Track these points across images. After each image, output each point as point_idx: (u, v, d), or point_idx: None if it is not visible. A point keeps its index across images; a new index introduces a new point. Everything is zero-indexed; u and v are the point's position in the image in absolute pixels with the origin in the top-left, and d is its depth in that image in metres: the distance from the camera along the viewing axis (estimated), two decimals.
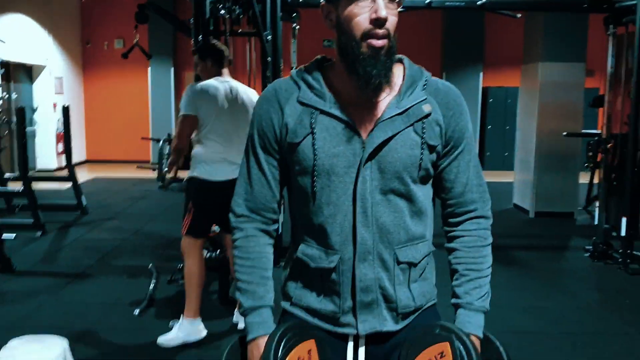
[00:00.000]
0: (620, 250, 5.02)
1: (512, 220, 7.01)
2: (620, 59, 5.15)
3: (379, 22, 1.26)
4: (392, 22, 1.28)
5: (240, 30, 4.73)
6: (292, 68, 5.18)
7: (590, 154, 5.61)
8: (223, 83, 3.38)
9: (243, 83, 3.57)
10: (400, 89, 1.36)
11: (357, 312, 1.38)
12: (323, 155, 1.32)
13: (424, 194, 1.40)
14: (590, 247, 5.32)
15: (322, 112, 1.34)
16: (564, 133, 6.40)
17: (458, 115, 1.39)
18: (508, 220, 6.98)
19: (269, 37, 4.56)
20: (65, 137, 6.78)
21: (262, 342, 1.35)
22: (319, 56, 1.44)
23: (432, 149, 1.36)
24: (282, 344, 1.27)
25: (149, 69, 11.46)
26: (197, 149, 3.39)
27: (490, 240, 1.46)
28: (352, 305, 1.38)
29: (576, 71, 6.91)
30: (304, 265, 1.41)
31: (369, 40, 1.27)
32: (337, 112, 1.33)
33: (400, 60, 1.41)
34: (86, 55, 12.01)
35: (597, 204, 5.48)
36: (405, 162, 1.33)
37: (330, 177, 1.33)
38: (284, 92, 1.38)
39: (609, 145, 5.18)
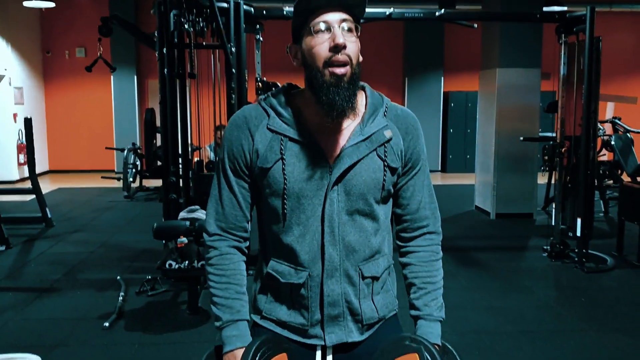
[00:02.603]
0: (576, 250, 5.23)
1: (473, 222, 7.20)
2: (572, 64, 5.36)
3: (337, 48, 1.34)
4: (352, 50, 1.37)
5: (204, 42, 4.77)
6: (256, 79, 5.24)
7: (546, 157, 5.82)
8: None
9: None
10: (363, 116, 1.45)
11: (324, 325, 1.47)
12: (293, 180, 1.40)
13: (385, 212, 1.50)
14: (548, 247, 5.53)
15: (291, 139, 1.42)
16: (521, 138, 6.62)
17: (416, 139, 1.50)
18: (469, 222, 7.17)
19: (233, 49, 4.61)
20: (28, 150, 6.69)
21: (239, 353, 1.41)
22: (285, 84, 1.52)
23: (393, 171, 1.46)
24: (258, 356, 1.34)
25: (112, 78, 11.35)
26: None
27: (441, 254, 1.57)
28: (320, 318, 1.46)
29: (532, 76, 7.16)
30: (274, 280, 1.48)
31: (331, 69, 1.35)
32: (305, 139, 1.41)
33: (363, 88, 1.50)
34: (47, 64, 11.83)
35: (554, 205, 5.69)
36: (369, 184, 1.43)
37: (299, 199, 1.42)
38: (254, 120, 1.45)
39: (563, 149, 5.39)
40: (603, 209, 7.49)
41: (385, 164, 1.44)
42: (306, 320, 1.47)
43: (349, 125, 1.44)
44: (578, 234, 5.12)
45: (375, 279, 1.49)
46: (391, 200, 1.53)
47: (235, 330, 1.45)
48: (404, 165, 1.49)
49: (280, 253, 1.47)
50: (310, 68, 1.38)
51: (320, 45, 1.35)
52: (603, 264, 5.21)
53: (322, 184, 1.41)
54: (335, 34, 1.34)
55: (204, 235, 1.52)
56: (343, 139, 1.43)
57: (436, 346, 1.46)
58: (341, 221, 1.42)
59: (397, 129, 1.47)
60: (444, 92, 11.93)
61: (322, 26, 1.35)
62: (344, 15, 1.36)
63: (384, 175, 1.44)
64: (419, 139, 1.51)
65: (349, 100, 1.37)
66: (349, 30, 1.36)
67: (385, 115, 1.47)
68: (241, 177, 1.48)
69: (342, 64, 1.35)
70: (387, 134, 1.45)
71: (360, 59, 1.41)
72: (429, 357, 1.37)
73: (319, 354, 1.49)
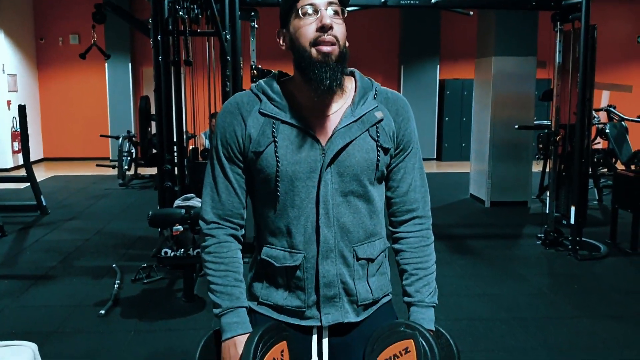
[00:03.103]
0: (570, 238, 5.26)
1: (468, 210, 7.23)
2: (568, 52, 5.36)
3: (324, 29, 1.37)
4: (339, 31, 1.39)
5: (199, 30, 4.75)
6: (251, 67, 5.22)
7: (541, 145, 5.83)
8: None
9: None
10: (354, 99, 1.47)
11: (320, 306, 1.48)
12: (285, 162, 1.41)
13: (379, 194, 1.52)
14: (542, 234, 5.55)
15: (283, 122, 1.43)
16: (516, 126, 6.63)
17: (407, 120, 1.52)
18: (464, 210, 7.20)
19: (228, 37, 4.59)
20: (22, 137, 6.68)
21: (240, 340, 1.42)
22: (276, 71, 1.54)
23: (386, 151, 1.47)
24: (260, 346, 1.35)
25: (106, 65, 11.29)
26: None
27: (432, 239, 1.58)
28: (316, 299, 1.48)
29: (527, 64, 7.16)
30: (269, 265, 1.49)
31: (318, 47, 1.38)
32: (296, 122, 1.43)
33: (352, 74, 1.52)
34: (40, 51, 11.75)
35: (549, 193, 5.71)
36: (362, 165, 1.44)
37: (293, 182, 1.43)
38: (246, 105, 1.47)
39: (558, 137, 5.41)
40: (597, 197, 7.53)
41: (378, 144, 1.45)
42: (302, 303, 1.48)
43: (340, 108, 1.46)
44: (572, 221, 5.15)
45: (370, 260, 1.51)
46: (384, 182, 1.54)
47: (235, 317, 1.46)
48: (395, 147, 1.50)
49: (275, 237, 1.48)
50: (298, 49, 1.40)
51: (307, 27, 1.38)
52: (596, 252, 5.25)
53: (315, 166, 1.42)
54: (322, 15, 1.37)
55: (201, 223, 1.52)
56: (334, 121, 1.45)
57: (430, 332, 1.47)
58: (335, 203, 1.44)
59: (387, 111, 1.49)
60: (439, 80, 11.90)
61: (309, 9, 1.38)
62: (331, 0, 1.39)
63: (377, 155, 1.45)
64: (410, 121, 1.52)
65: (336, 77, 1.39)
66: (336, 13, 1.39)
67: (375, 97, 1.49)
68: (235, 164, 1.48)
69: (329, 43, 1.38)
70: (378, 114, 1.47)
71: (347, 44, 1.43)
72: (424, 343, 1.38)
73: (315, 337, 1.50)
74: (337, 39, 1.38)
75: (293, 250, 1.46)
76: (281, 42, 1.47)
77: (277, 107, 1.44)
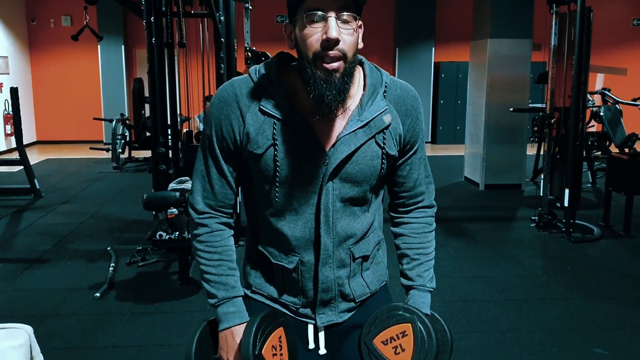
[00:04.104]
0: (564, 220, 5.29)
1: (462, 193, 7.25)
2: (563, 35, 5.35)
3: (329, 43, 1.24)
4: (347, 44, 1.26)
5: (192, 11, 4.70)
6: (246, 49, 5.18)
7: (536, 128, 5.84)
8: None
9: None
10: (362, 99, 1.37)
11: (316, 308, 1.46)
12: (285, 167, 1.34)
13: (376, 191, 1.48)
14: (536, 217, 5.58)
15: (284, 123, 1.33)
16: (511, 109, 6.62)
17: (415, 120, 1.44)
18: (459, 193, 7.21)
19: (222, 18, 4.55)
20: (14, 120, 6.63)
21: (238, 330, 1.40)
22: (278, 54, 1.42)
23: (390, 158, 1.42)
24: (259, 335, 1.33)
25: (99, 47, 11.19)
26: None
27: (434, 226, 1.56)
28: (312, 301, 1.46)
29: (523, 47, 7.14)
30: (265, 258, 1.46)
31: (322, 61, 1.26)
32: (299, 125, 1.33)
33: (361, 63, 1.41)
34: (32, 33, 11.63)
35: (543, 175, 5.73)
36: (365, 173, 1.38)
37: (292, 187, 1.36)
38: (245, 99, 1.36)
39: (553, 120, 5.41)
40: (591, 180, 7.55)
41: (384, 151, 1.39)
42: (298, 300, 1.47)
43: (347, 108, 1.37)
44: (566, 204, 5.17)
45: (365, 258, 1.49)
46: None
47: (232, 307, 1.43)
48: (402, 148, 1.44)
49: (271, 234, 1.44)
50: (302, 57, 1.30)
51: (313, 37, 1.26)
52: (590, 234, 5.28)
53: (317, 173, 1.35)
54: (329, 26, 1.23)
55: (191, 212, 1.46)
56: (340, 125, 1.36)
57: (427, 316, 1.47)
58: (335, 209, 1.39)
59: (396, 112, 1.41)
60: (434, 63, 11.87)
61: (317, 15, 1.24)
62: (342, 3, 1.24)
63: (382, 163, 1.39)
64: (418, 119, 1.46)
65: (338, 95, 1.29)
66: (347, 21, 1.25)
67: (384, 96, 1.40)
68: (229, 157, 1.41)
69: (334, 59, 1.27)
70: (387, 119, 1.38)
71: (361, 45, 1.33)
72: (422, 327, 1.38)
73: (311, 327, 1.49)
74: (344, 54, 1.26)
75: (290, 253, 1.42)
76: (287, 38, 1.36)
77: (278, 104, 1.34)
